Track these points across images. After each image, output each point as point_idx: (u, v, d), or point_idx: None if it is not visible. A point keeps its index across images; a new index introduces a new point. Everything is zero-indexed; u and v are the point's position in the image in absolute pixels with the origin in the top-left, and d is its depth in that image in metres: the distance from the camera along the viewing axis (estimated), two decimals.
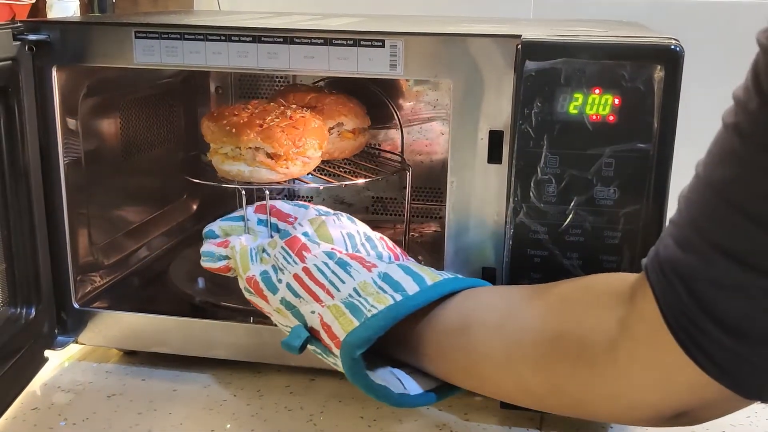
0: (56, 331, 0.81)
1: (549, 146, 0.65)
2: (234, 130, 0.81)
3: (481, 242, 0.71)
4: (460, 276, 0.66)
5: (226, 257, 0.75)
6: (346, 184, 0.93)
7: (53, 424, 0.73)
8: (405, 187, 0.95)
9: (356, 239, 0.71)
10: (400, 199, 1.11)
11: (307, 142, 0.81)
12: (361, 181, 0.92)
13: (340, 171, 0.93)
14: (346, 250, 0.69)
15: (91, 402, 0.77)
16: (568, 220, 0.66)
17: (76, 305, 0.81)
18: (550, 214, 0.66)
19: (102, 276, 0.88)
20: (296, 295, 0.67)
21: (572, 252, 0.66)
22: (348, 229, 0.72)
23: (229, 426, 0.73)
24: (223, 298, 0.85)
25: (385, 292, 0.63)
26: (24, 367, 0.76)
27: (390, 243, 0.73)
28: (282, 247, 0.70)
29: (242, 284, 0.73)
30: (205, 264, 0.77)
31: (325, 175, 0.89)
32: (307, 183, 0.86)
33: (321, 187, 1.08)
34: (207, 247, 0.77)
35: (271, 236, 0.76)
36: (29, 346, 0.77)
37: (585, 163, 0.64)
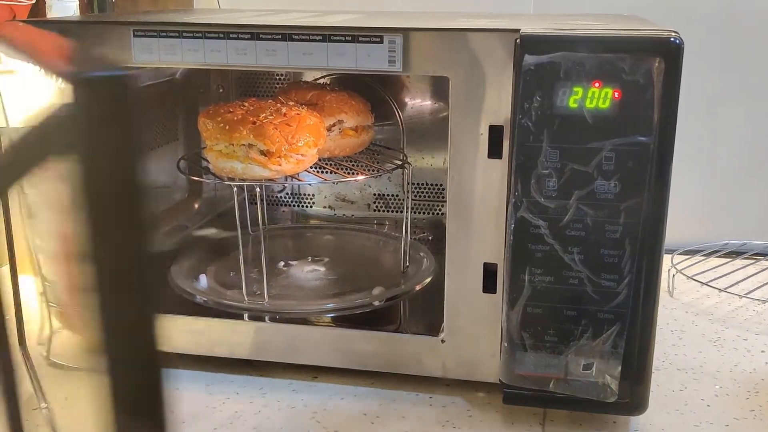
0: None
1: (549, 141, 0.64)
2: (227, 126, 0.81)
3: (482, 238, 0.71)
4: None
5: None
6: (339, 182, 0.93)
7: None
8: (406, 184, 0.95)
9: None
10: (402, 196, 1.11)
11: (300, 140, 0.80)
12: (359, 178, 0.92)
13: (340, 169, 0.93)
14: None
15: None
16: (569, 214, 0.65)
17: None
18: (550, 208, 0.66)
19: None
20: None
21: (573, 246, 0.66)
22: None
23: (231, 424, 0.73)
24: (225, 297, 0.85)
25: None
26: None
27: None
28: None
29: None
30: None
31: (325, 173, 0.89)
32: (300, 180, 0.86)
33: (311, 184, 1.08)
34: None
35: None
36: None
37: (585, 157, 0.64)
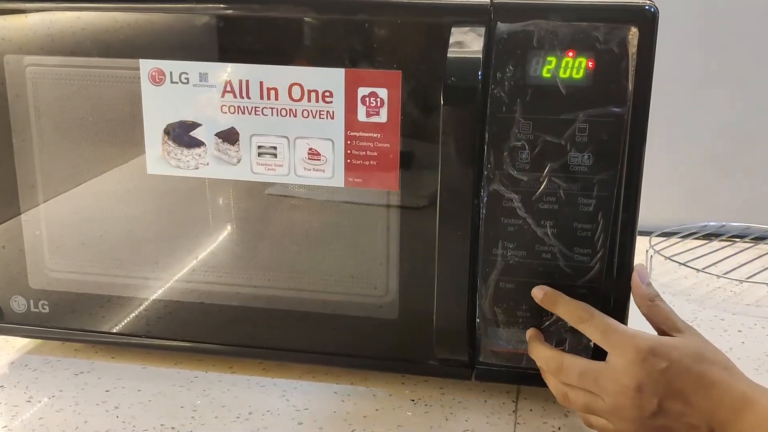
0: None
1: (522, 111, 0.63)
2: None
3: None
4: None
5: None
6: None
7: (18, 402, 0.71)
8: None
9: None
10: None
11: None
12: None
13: None
14: None
15: (58, 380, 0.75)
16: (542, 187, 0.64)
17: None
18: (523, 181, 0.64)
19: None
20: None
21: (546, 220, 0.65)
22: None
23: (199, 402, 0.72)
24: None
25: None
26: None
27: None
28: None
29: None
30: None
31: None
32: None
33: None
34: None
35: None
36: None
37: (559, 128, 0.63)
